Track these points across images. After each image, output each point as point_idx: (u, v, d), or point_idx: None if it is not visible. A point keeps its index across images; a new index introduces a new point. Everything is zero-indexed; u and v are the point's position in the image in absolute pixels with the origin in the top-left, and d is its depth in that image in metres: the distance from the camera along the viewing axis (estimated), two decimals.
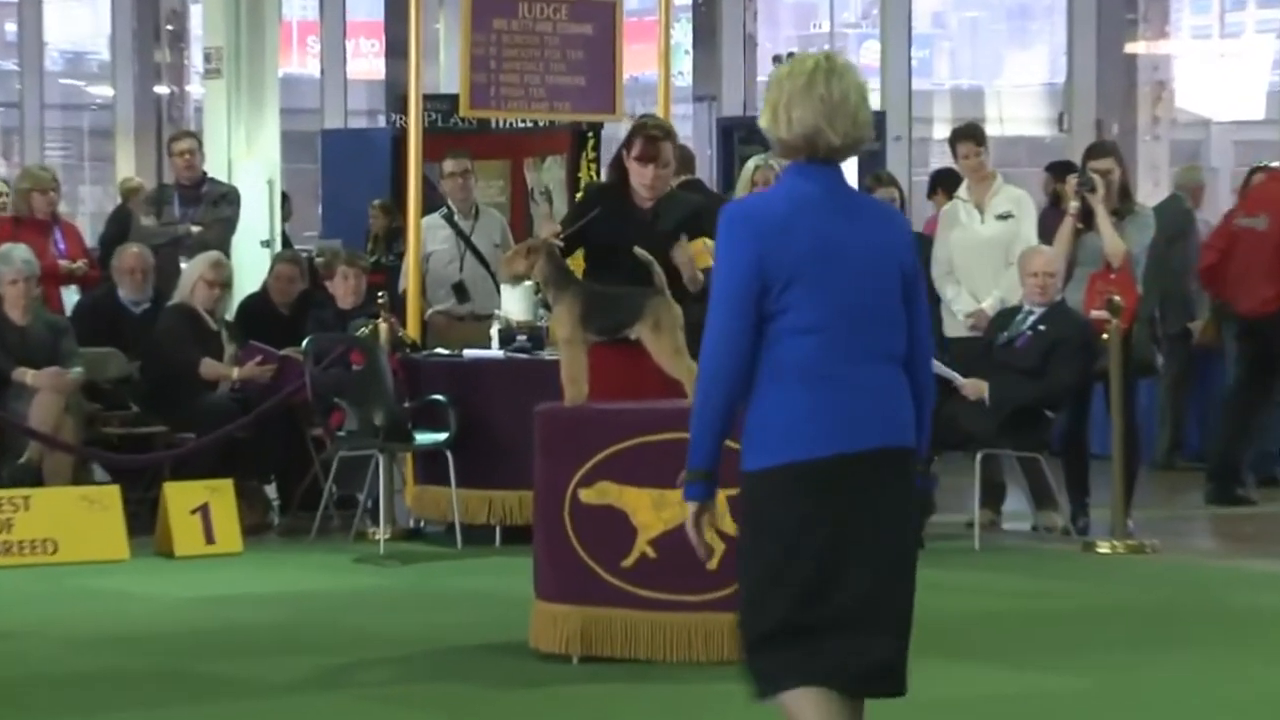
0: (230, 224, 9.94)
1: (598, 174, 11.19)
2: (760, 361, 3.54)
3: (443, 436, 7.96)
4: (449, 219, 9.25)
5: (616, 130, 9.58)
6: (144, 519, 8.11)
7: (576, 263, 6.30)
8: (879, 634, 3.54)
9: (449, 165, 9.26)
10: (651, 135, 6.18)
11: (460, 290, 9.17)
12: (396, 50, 18.78)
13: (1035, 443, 8.11)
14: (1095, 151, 8.75)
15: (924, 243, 8.79)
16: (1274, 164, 10.36)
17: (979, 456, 8.00)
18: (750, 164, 9.74)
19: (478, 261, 9.19)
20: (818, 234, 3.55)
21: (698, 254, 6.16)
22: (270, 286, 9.29)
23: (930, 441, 3.75)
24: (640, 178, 6.20)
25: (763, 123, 3.64)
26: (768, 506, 3.53)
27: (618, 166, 6.33)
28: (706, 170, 15.83)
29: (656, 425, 5.58)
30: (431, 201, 9.38)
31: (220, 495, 7.90)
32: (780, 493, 3.51)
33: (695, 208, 6.39)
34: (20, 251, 8.59)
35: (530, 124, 11.52)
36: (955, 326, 8.61)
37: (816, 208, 3.57)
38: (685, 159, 7.98)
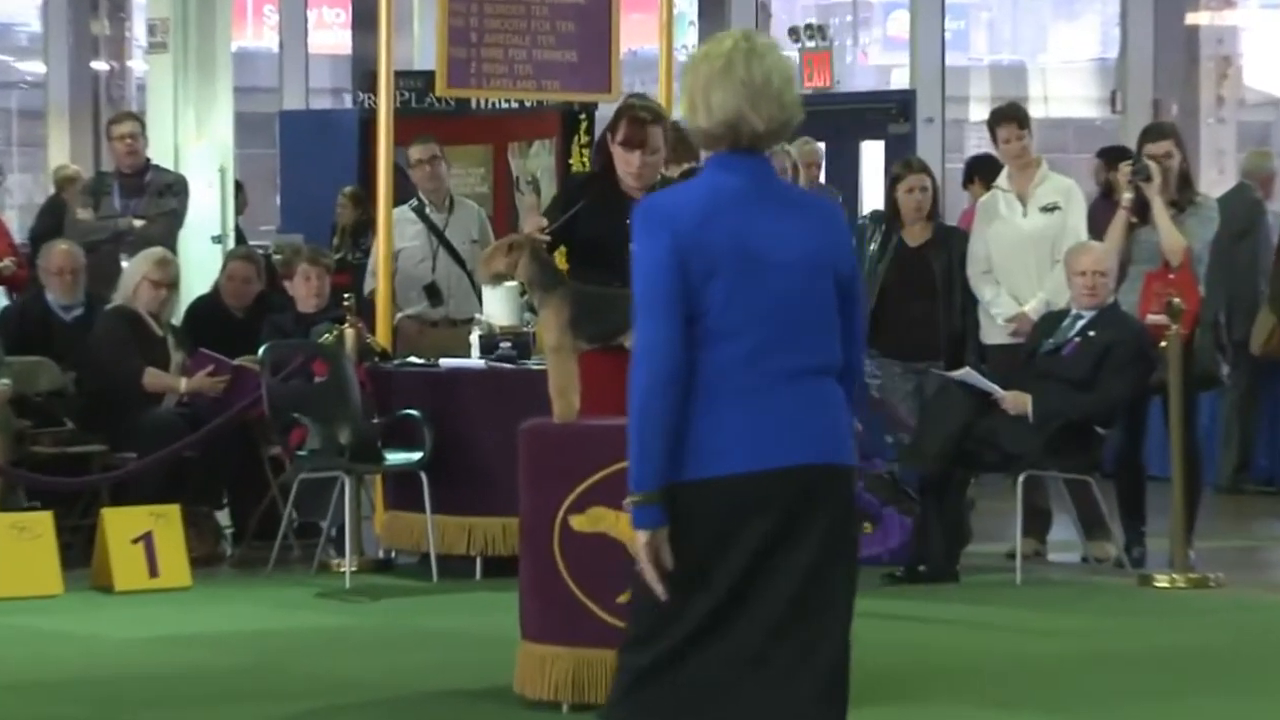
0: (177, 217, 9.95)
1: (591, 161, 11.20)
2: None
3: (416, 456, 7.96)
4: (419, 211, 9.26)
5: (612, 112, 9.57)
6: (79, 549, 8.10)
7: (559, 260, 6.29)
8: (793, 690, 3.54)
9: (415, 151, 9.27)
10: (638, 117, 6.16)
11: (433, 292, 9.17)
12: (364, 21, 18.83)
13: (1085, 463, 8.11)
14: (1152, 134, 8.77)
15: (959, 238, 8.81)
16: None
17: (1021, 479, 8.00)
18: None
19: (452, 260, 9.19)
20: (738, 231, 3.61)
21: None
22: (222, 287, 9.29)
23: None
24: (626, 165, 6.16)
25: (681, 111, 3.70)
26: (678, 525, 3.55)
27: (604, 152, 6.32)
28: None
29: None
30: (404, 191, 9.39)
31: (165, 523, 7.90)
32: (693, 511, 3.55)
33: None
34: None
35: (515, 105, 11.54)
36: (994, 332, 8.63)
37: (738, 202, 3.63)
38: (686, 145, 7.96)
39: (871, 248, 8.74)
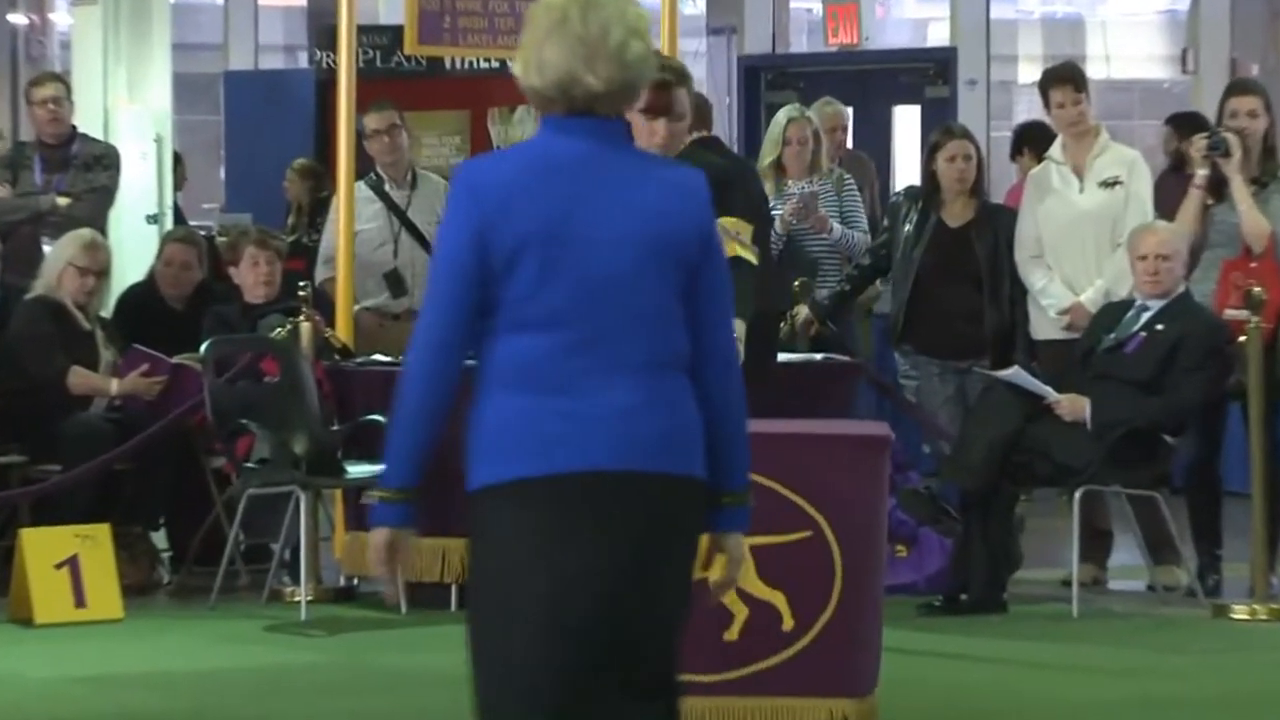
0: (107, 194, 9.95)
1: None
2: (482, 361, 3.71)
3: (381, 469, 7.96)
4: (377, 189, 9.26)
5: None
6: None
7: None
8: None
9: (371, 121, 9.26)
10: (661, 80, 6.21)
11: (395, 281, 9.17)
12: None
13: (1151, 477, 8.12)
14: (1237, 89, 8.77)
15: (1005, 217, 8.82)
16: None
17: (1078, 495, 8.01)
18: (781, 116, 9.85)
19: (416, 243, 9.19)
20: (560, 204, 3.67)
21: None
22: (159, 275, 9.31)
23: (747, 472, 3.83)
24: (649, 136, 6.25)
25: (515, 70, 3.78)
26: (485, 533, 3.70)
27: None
28: (724, 124, 15.87)
29: None
30: (369, 163, 9.40)
31: (93, 545, 7.91)
32: (499, 517, 3.67)
33: (719, 175, 6.42)
34: None
35: (496, 64, 11.52)
36: (1046, 325, 8.64)
37: (566, 171, 3.70)
38: (699, 110, 8.00)
39: (906, 229, 8.75)
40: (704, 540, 3.77)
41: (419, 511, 3.76)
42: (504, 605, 3.65)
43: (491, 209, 3.67)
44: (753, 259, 6.32)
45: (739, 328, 6.13)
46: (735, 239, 6.27)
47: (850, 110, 12.47)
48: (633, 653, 3.66)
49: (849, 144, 12.04)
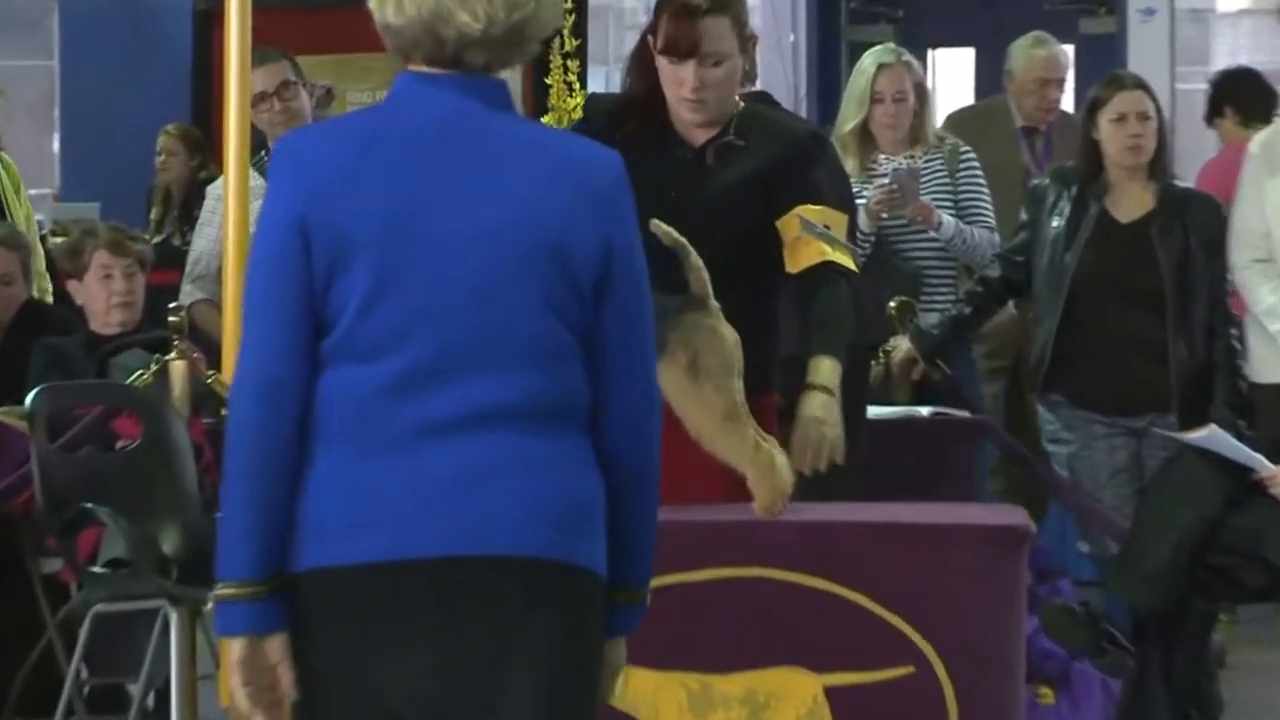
0: None
1: (582, 79, 11.25)
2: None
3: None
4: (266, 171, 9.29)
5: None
6: None
7: None
8: None
9: (259, 79, 9.28)
10: (685, 6, 6.23)
11: None
12: None
13: None
14: None
15: (1201, 207, 8.78)
16: None
17: None
18: (868, 61, 9.80)
19: None
20: (401, 190, 3.82)
21: (792, 232, 6.19)
22: None
23: (650, 562, 3.99)
24: (676, 86, 6.25)
25: (370, 3, 3.96)
26: (297, 633, 3.88)
27: (642, 67, 6.40)
28: (784, 73, 15.88)
29: (694, 552, 5.61)
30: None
31: None
32: (310, 613, 3.86)
33: (788, 140, 6.42)
34: None
35: None
36: (1272, 363, 8.62)
37: (418, 145, 3.85)
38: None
39: (1054, 224, 8.73)
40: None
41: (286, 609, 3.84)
42: None
43: (317, 196, 3.80)
44: (851, 264, 6.29)
45: (830, 373, 6.08)
46: (823, 237, 6.23)
47: (973, 52, 12.49)
48: None
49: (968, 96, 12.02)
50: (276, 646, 3.86)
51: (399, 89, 3.94)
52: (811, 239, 6.12)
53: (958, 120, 11.09)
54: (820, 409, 6.00)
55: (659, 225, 5.79)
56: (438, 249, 3.79)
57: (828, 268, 6.16)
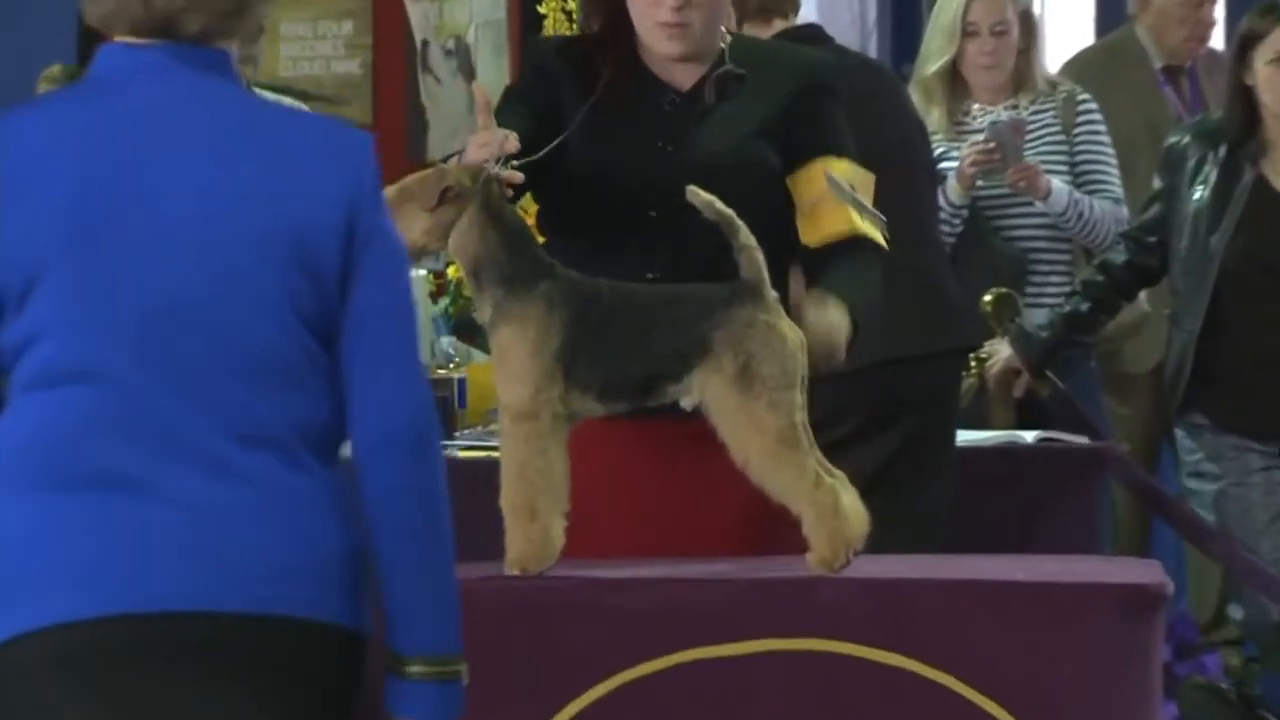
0: None
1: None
2: None
3: None
4: None
5: None
6: None
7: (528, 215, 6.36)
8: None
9: None
10: None
11: None
12: None
13: None
14: None
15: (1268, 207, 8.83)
16: None
17: None
18: None
19: None
20: (98, 184, 3.94)
21: (813, 192, 6.19)
22: None
23: (452, 624, 4.16)
24: (651, 11, 6.22)
25: None
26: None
27: None
28: (841, 1, 15.95)
29: (734, 618, 5.64)
30: None
31: None
32: (10, 688, 3.99)
33: (802, 69, 6.42)
34: None
35: None
36: None
37: (119, 131, 3.97)
38: None
39: (1197, 194, 8.74)
40: None
41: None
42: None
43: (4, 196, 3.92)
44: (882, 240, 6.27)
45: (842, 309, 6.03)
46: (849, 200, 6.21)
47: None
48: None
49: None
50: None
51: (99, 65, 4.03)
52: (839, 202, 6.09)
53: (1081, 64, 11.06)
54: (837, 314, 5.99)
55: (697, 193, 5.80)
56: (136, 251, 3.90)
57: (857, 243, 6.16)
